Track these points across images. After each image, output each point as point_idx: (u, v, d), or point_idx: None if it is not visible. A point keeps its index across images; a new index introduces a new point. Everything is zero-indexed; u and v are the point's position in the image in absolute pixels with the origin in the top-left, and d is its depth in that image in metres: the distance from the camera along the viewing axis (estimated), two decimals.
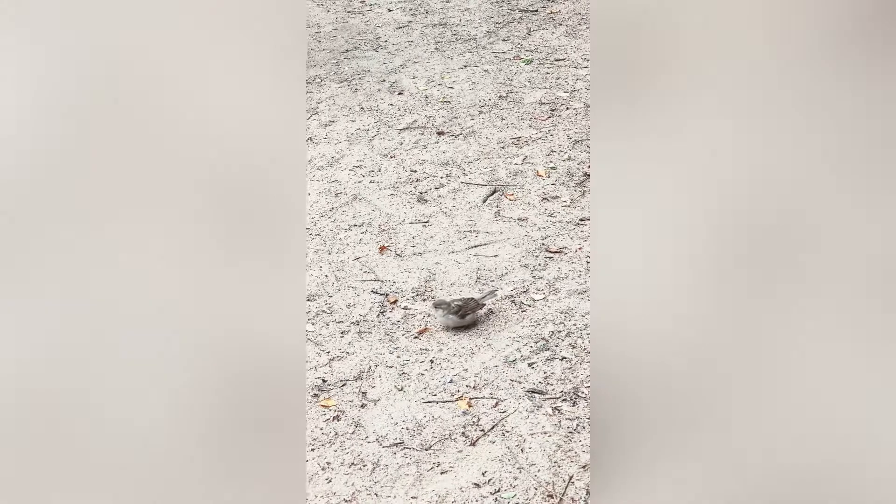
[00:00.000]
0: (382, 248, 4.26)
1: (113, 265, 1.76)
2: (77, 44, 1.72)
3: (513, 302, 3.88)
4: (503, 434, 3.17)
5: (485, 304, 3.75)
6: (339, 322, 3.81)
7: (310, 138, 5.33)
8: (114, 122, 1.74)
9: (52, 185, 1.74)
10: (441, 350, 3.63)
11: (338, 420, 3.27)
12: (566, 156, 4.92)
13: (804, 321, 1.85)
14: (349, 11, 6.92)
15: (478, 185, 4.75)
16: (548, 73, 5.93)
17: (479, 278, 4.04)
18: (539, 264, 4.09)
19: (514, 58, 6.16)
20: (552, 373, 3.44)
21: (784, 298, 1.85)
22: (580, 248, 4.10)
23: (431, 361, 3.56)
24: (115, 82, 1.72)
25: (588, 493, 2.86)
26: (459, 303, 3.68)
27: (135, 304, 1.77)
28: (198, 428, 1.81)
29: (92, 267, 1.75)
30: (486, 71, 6.01)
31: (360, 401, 3.36)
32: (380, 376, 3.48)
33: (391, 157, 5.05)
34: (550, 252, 4.16)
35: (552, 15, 6.66)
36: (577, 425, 3.16)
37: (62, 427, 1.75)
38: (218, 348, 1.82)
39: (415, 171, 4.90)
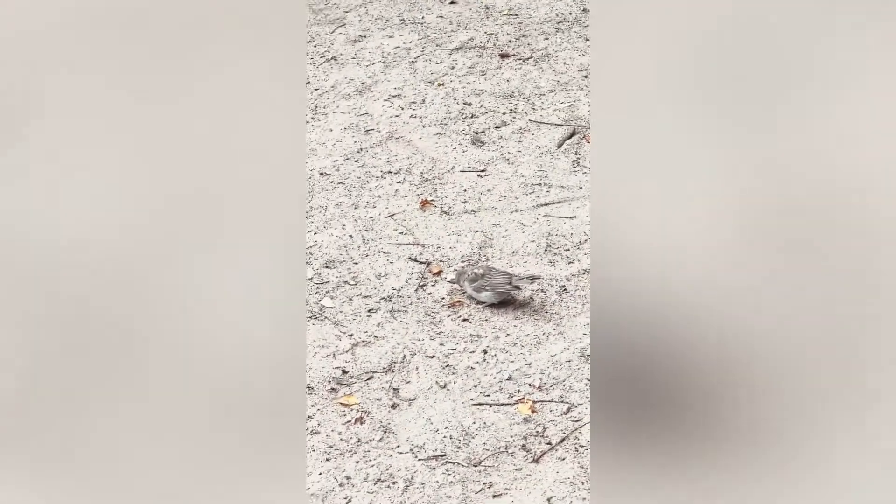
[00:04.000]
0: (424, 203, 4.29)
1: None
2: None
3: None
4: (576, 449, 3.18)
5: (520, 288, 3.75)
6: (365, 297, 3.83)
7: (333, 57, 5.41)
8: None
9: None
10: (498, 337, 3.62)
11: (361, 423, 3.31)
12: None
13: None
14: None
15: (551, 124, 4.75)
16: None
17: (549, 246, 4.06)
18: None
19: None
20: None
21: None
22: None
23: (485, 352, 3.56)
24: None
25: None
26: (480, 271, 3.73)
27: None
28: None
29: None
30: None
31: (391, 399, 3.39)
32: (417, 369, 3.52)
33: (439, 85, 5.08)
34: None
35: None
36: None
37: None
38: None
39: (469, 105, 4.93)
